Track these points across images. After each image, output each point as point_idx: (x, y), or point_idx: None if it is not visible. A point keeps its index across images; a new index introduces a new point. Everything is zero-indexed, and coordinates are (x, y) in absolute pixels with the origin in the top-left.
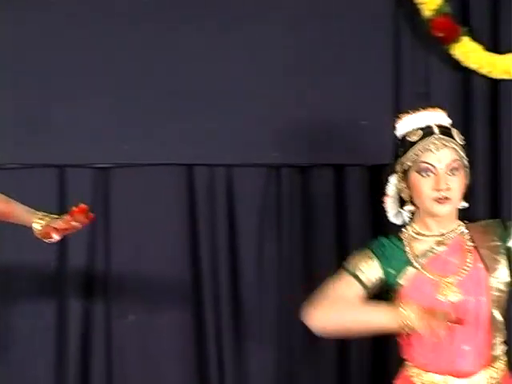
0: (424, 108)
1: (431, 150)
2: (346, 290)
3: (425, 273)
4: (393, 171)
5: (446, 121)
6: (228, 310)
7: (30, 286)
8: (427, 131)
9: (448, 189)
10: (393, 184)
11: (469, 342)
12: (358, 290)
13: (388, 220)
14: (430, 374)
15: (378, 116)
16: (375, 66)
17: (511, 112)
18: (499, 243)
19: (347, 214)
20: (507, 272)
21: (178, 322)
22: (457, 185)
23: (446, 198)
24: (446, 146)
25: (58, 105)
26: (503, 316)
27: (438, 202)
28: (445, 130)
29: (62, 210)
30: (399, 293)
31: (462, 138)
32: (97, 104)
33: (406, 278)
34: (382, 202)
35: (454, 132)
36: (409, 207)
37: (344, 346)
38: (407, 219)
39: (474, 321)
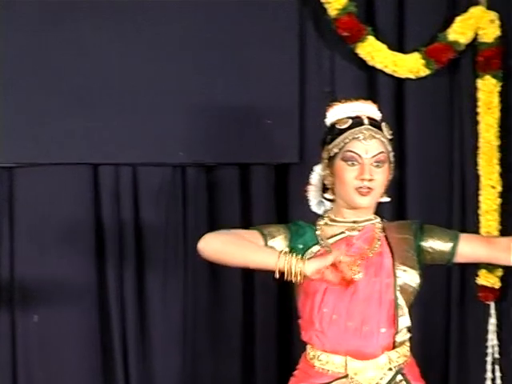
0: (356, 99)
1: (359, 140)
2: (247, 236)
3: (329, 251)
4: (319, 160)
5: (377, 114)
6: (133, 310)
7: None
8: (357, 121)
9: (371, 180)
10: (317, 173)
11: (372, 322)
12: (258, 242)
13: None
14: (328, 355)
15: (283, 115)
16: (280, 65)
17: (416, 111)
18: (411, 239)
19: (252, 213)
20: (416, 266)
21: (83, 322)
22: (380, 177)
23: (369, 188)
24: (374, 137)
25: None
26: (409, 307)
27: (360, 192)
28: (374, 122)
29: None
30: None
31: (391, 132)
32: None
33: (311, 255)
34: (287, 200)
35: (383, 125)
36: (328, 195)
37: (249, 344)
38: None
39: (377, 301)
